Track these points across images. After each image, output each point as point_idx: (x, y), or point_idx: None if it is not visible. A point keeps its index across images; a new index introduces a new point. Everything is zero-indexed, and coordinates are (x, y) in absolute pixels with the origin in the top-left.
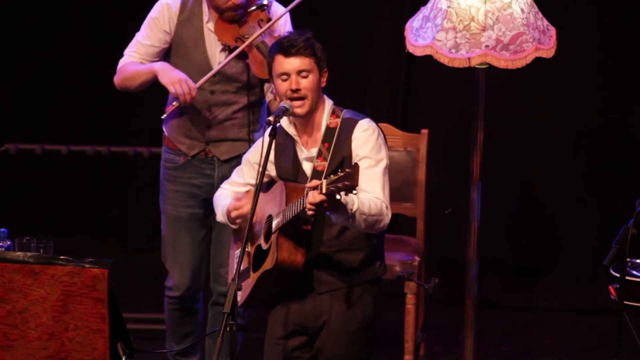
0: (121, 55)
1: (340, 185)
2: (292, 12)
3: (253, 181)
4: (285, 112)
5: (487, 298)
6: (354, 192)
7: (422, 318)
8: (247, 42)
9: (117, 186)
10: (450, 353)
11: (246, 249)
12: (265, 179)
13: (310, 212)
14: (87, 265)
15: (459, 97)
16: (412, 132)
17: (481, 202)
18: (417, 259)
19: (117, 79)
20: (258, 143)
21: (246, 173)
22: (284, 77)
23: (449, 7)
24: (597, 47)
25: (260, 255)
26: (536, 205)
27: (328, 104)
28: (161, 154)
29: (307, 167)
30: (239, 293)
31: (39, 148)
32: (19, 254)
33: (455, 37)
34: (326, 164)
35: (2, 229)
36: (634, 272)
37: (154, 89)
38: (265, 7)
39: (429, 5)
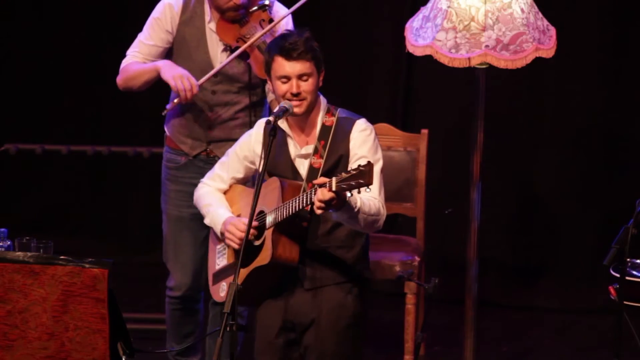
0: (122, 56)
1: (353, 183)
2: (292, 12)
3: (239, 175)
4: (286, 112)
5: (487, 298)
6: (368, 189)
7: (422, 318)
8: (248, 43)
9: (117, 186)
10: (450, 353)
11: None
12: (249, 174)
13: (319, 211)
14: (87, 265)
15: (459, 97)
16: (412, 132)
17: (481, 202)
18: (417, 259)
19: (119, 80)
20: (246, 137)
21: (231, 167)
22: (284, 79)
23: (449, 7)
24: (597, 47)
25: (248, 251)
26: (536, 205)
27: (323, 102)
28: (163, 154)
29: (301, 164)
30: (225, 288)
31: (39, 148)
32: (19, 254)
33: (455, 37)
34: (322, 161)
35: (2, 229)
36: (634, 272)
37: (155, 89)
38: (267, 8)
39: (429, 5)
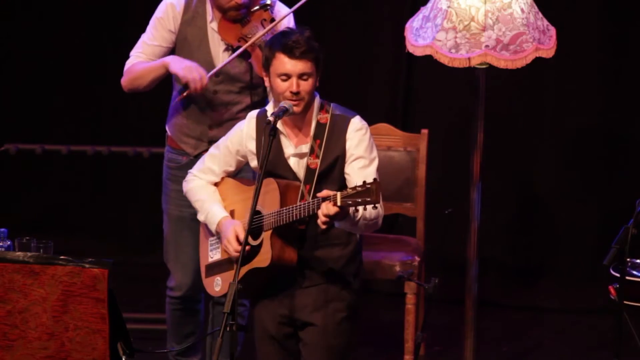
0: (122, 56)
1: (359, 200)
2: (293, 12)
3: (230, 169)
4: (286, 112)
5: (487, 298)
6: (375, 207)
7: (422, 318)
8: (250, 42)
9: (117, 186)
10: (450, 353)
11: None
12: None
13: (323, 225)
14: (87, 265)
15: (459, 97)
16: (412, 132)
17: (481, 202)
18: (417, 259)
19: (124, 81)
20: (237, 131)
21: (223, 160)
22: (284, 77)
23: (449, 7)
24: (597, 47)
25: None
26: (536, 205)
27: (316, 99)
28: (164, 153)
29: (295, 163)
30: (220, 283)
31: (39, 148)
32: (19, 254)
33: (455, 37)
34: (319, 161)
35: (2, 229)
36: (634, 272)
37: (155, 89)
38: (269, 7)
39: (429, 5)
